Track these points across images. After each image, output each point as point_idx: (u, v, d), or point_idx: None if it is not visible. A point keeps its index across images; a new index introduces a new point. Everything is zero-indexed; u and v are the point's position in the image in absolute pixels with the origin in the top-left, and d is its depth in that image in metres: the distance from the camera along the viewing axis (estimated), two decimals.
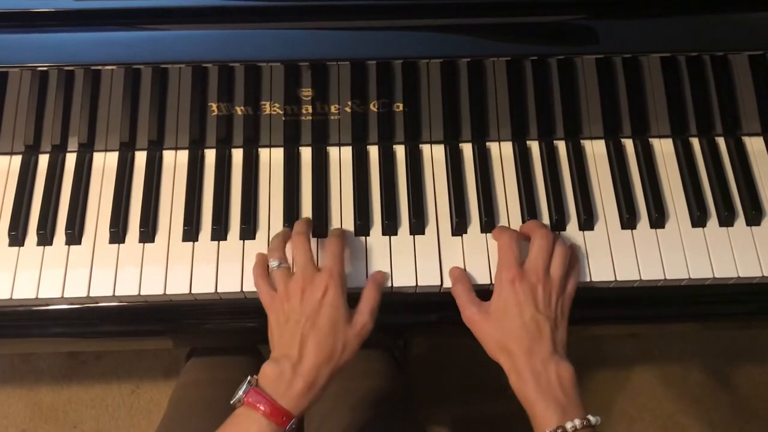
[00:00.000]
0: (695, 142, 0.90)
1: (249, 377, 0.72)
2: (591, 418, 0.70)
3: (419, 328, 0.97)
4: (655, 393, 1.53)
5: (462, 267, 0.82)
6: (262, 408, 0.69)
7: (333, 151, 0.89)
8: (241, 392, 0.71)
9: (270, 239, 0.83)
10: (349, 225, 0.84)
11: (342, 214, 0.85)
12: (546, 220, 0.84)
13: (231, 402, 0.71)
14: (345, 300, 0.74)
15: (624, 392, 1.52)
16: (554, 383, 0.71)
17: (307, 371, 0.70)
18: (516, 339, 0.73)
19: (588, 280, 0.81)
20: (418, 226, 0.84)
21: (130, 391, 1.50)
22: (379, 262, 0.82)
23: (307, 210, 0.85)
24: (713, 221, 0.85)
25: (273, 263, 0.77)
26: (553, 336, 0.73)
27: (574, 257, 0.81)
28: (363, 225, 0.84)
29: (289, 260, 0.78)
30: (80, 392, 1.49)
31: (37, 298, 0.80)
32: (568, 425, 0.68)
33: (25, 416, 1.47)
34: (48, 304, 0.82)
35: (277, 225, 0.84)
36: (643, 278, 0.82)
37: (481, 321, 0.76)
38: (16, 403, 1.48)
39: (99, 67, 0.79)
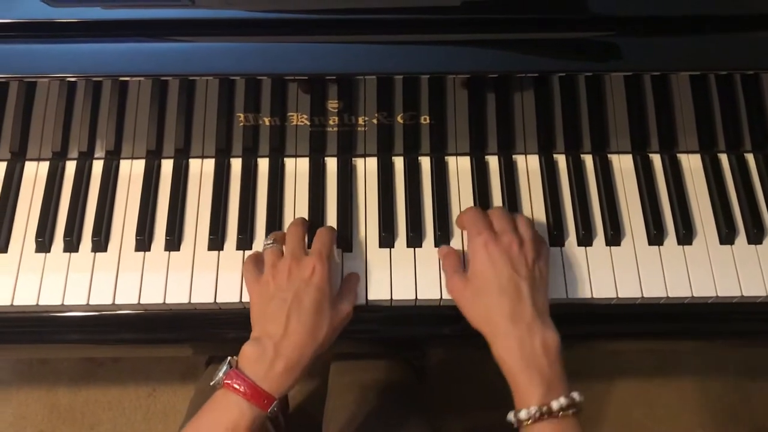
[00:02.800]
0: (724, 158, 0.89)
1: (228, 358, 0.71)
2: (576, 395, 0.68)
3: (439, 340, 0.97)
4: (673, 406, 1.52)
5: None
6: (242, 390, 0.67)
7: (358, 162, 0.88)
8: (221, 374, 0.69)
9: None
10: (373, 236, 0.84)
11: (367, 225, 0.85)
12: (572, 234, 0.84)
13: (211, 384, 0.70)
14: (331, 284, 0.74)
15: (641, 405, 1.51)
16: (539, 352, 0.68)
17: (289, 350, 0.69)
18: (496, 303, 0.71)
19: (614, 296, 0.81)
20: (443, 239, 0.83)
21: (146, 394, 1.50)
22: (402, 274, 0.82)
23: (332, 220, 0.85)
24: (741, 238, 0.84)
25: (267, 241, 0.77)
26: (534, 297, 0.71)
27: (543, 243, 0.79)
28: (388, 237, 0.83)
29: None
30: (98, 394, 1.50)
31: (62, 305, 0.81)
32: (554, 404, 0.66)
33: (43, 417, 1.47)
34: (72, 311, 0.83)
35: None
36: (670, 295, 0.81)
37: (462, 288, 0.74)
38: (34, 404, 1.48)
39: (127, 78, 0.79)
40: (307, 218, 0.84)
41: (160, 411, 1.49)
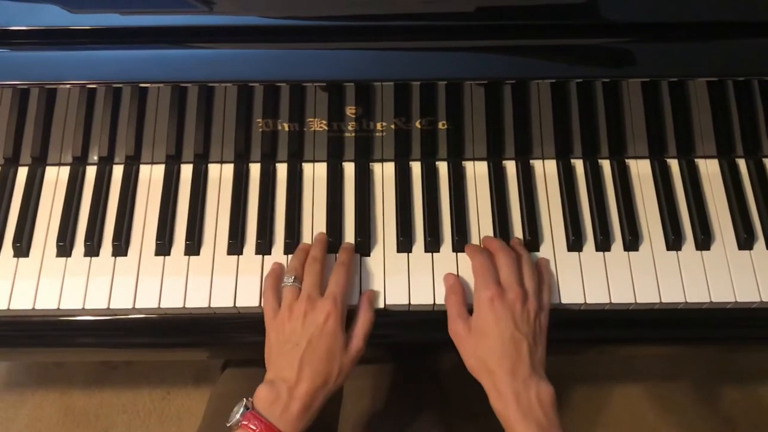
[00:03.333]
0: (742, 163, 0.89)
1: (244, 400, 0.73)
2: None
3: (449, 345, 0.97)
4: (687, 411, 1.51)
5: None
6: (259, 430, 0.69)
7: (376, 167, 0.89)
8: (238, 415, 0.72)
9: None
10: (391, 241, 0.84)
11: (384, 230, 0.85)
12: (591, 240, 0.84)
13: (228, 425, 0.72)
14: (344, 328, 0.76)
15: (656, 408, 1.50)
16: (535, 405, 0.71)
17: (303, 395, 0.72)
18: (496, 359, 0.73)
19: (632, 301, 0.81)
20: (460, 244, 0.84)
21: (160, 397, 1.51)
22: (420, 279, 0.82)
23: (349, 225, 0.85)
24: (760, 243, 0.84)
25: (288, 279, 0.79)
26: (532, 355, 0.73)
27: (544, 270, 0.81)
28: (405, 242, 0.84)
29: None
30: (112, 397, 1.50)
31: (83, 309, 0.81)
32: None
33: (57, 420, 1.48)
34: (91, 315, 0.83)
35: None
36: (688, 300, 0.81)
37: (465, 337, 0.76)
38: (49, 407, 1.49)
39: (147, 85, 0.80)
40: (325, 221, 0.85)
41: (174, 414, 1.49)
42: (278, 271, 0.81)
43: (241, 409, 0.72)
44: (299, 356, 0.73)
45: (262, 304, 0.80)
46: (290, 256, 0.83)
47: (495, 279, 0.77)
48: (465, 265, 0.82)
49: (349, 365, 0.75)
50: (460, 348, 0.77)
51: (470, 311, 0.78)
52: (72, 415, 1.49)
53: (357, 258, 0.83)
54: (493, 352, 0.73)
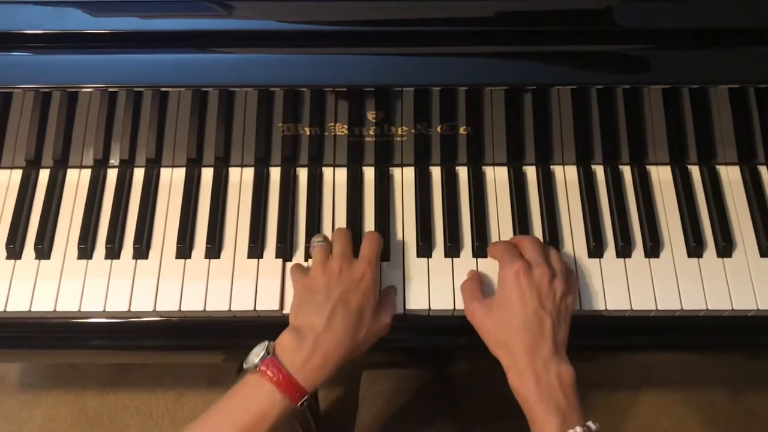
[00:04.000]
0: (763, 170, 0.88)
1: (267, 342, 0.70)
2: (591, 424, 0.68)
3: (474, 351, 0.97)
4: (700, 418, 1.50)
5: None
6: (276, 380, 0.67)
7: (396, 172, 0.89)
8: (257, 359, 0.69)
9: None
10: (411, 246, 0.84)
11: (405, 235, 0.85)
12: (611, 246, 0.84)
13: (244, 366, 0.69)
14: (377, 292, 0.75)
15: (669, 416, 1.49)
16: (555, 386, 0.69)
17: (328, 345, 0.69)
18: (517, 335, 0.71)
19: (653, 308, 0.81)
20: (481, 249, 0.83)
21: (174, 399, 1.51)
22: (441, 284, 0.82)
23: (369, 229, 0.85)
24: None
25: (317, 239, 0.79)
26: (555, 335, 0.71)
27: (572, 277, 0.79)
28: (426, 246, 0.84)
29: None
30: (125, 399, 1.51)
31: (104, 311, 0.82)
32: None
33: (71, 421, 1.48)
34: (111, 317, 0.83)
35: None
36: (709, 308, 0.80)
37: (483, 315, 0.75)
38: (62, 408, 1.50)
39: (168, 89, 0.80)
40: (345, 225, 0.85)
41: (188, 416, 1.49)
42: (301, 265, 0.81)
43: (263, 353, 0.69)
44: (331, 305, 0.71)
45: (285, 303, 0.80)
46: (310, 260, 0.83)
47: (519, 256, 0.76)
48: (485, 271, 0.82)
49: (375, 335, 0.74)
50: (479, 327, 0.75)
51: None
52: (85, 417, 1.49)
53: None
54: (515, 328, 0.71)
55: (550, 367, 0.70)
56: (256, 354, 0.70)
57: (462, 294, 0.79)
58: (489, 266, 0.82)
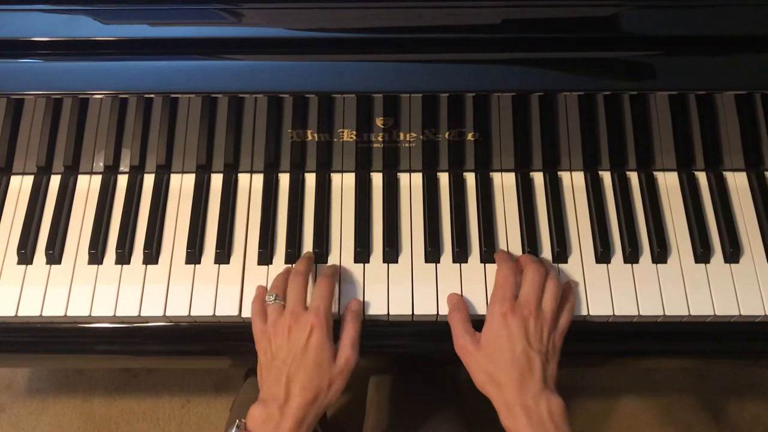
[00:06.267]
0: None
1: (237, 420, 0.73)
2: None
3: None
4: (707, 425, 1.50)
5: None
6: None
7: (403, 177, 0.89)
8: None
9: (340, 262, 0.84)
10: (419, 251, 0.85)
11: (412, 240, 0.85)
12: (619, 252, 0.84)
13: None
14: (330, 339, 0.75)
15: (677, 423, 1.49)
16: (546, 418, 0.70)
17: (293, 411, 0.71)
18: (506, 373, 0.72)
19: (661, 313, 0.81)
20: (488, 255, 0.84)
21: (180, 405, 1.51)
22: (447, 290, 0.82)
23: (377, 234, 0.86)
24: None
25: (269, 297, 0.78)
26: (544, 371, 0.73)
27: (569, 292, 0.80)
28: (433, 252, 0.84)
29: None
30: (132, 405, 1.51)
31: (114, 316, 0.82)
32: None
33: (78, 427, 1.49)
34: (120, 322, 0.84)
35: (349, 249, 0.85)
36: (717, 313, 0.81)
37: (472, 351, 0.75)
38: (70, 414, 1.50)
39: (178, 96, 0.81)
40: (353, 231, 0.85)
41: (194, 422, 1.50)
42: (262, 295, 0.81)
43: (234, 430, 0.72)
44: (286, 372, 0.73)
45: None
46: (319, 265, 0.84)
47: (512, 294, 0.76)
48: (493, 276, 0.82)
49: (339, 377, 0.74)
50: (468, 363, 0.76)
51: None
52: (92, 422, 1.49)
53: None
54: (503, 365, 0.73)
55: (540, 401, 0.71)
56: (229, 430, 0.73)
57: (451, 325, 0.79)
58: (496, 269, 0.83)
